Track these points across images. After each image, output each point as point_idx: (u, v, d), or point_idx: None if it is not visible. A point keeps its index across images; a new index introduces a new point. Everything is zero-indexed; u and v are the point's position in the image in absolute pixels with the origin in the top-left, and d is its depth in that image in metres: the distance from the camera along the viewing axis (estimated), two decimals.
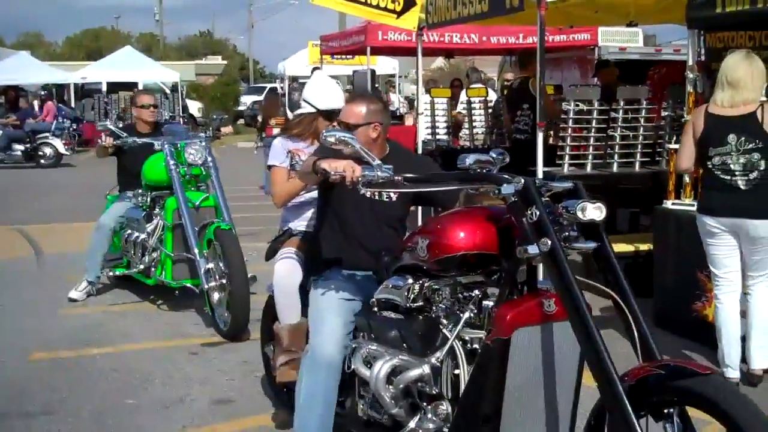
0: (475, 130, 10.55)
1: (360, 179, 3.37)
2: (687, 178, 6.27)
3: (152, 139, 6.97)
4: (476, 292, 3.28)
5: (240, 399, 5.13)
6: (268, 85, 47.95)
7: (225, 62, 54.07)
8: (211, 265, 6.25)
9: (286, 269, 4.30)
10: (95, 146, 7.41)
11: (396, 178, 3.37)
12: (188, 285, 6.79)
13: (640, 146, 7.33)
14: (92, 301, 7.45)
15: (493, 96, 11.43)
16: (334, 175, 3.38)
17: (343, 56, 25.87)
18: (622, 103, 7.22)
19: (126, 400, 5.14)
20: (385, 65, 25.78)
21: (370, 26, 12.72)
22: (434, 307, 3.41)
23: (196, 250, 6.30)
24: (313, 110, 4.56)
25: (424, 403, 3.36)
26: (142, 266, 6.98)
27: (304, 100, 4.60)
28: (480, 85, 12.03)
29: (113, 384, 5.42)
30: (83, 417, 4.88)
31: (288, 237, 4.52)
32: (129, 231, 7.19)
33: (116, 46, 52.28)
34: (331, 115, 4.47)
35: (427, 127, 10.14)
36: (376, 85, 20.11)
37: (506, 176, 3.06)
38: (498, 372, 3.01)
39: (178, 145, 6.72)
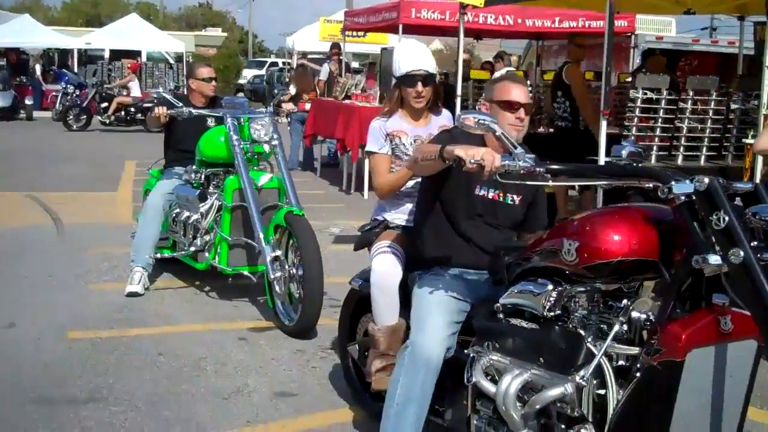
0: None
1: (500, 169, 3.01)
2: (759, 172, 5.94)
3: (211, 112, 6.53)
4: (625, 301, 2.92)
5: (303, 393, 4.75)
6: (269, 60, 47.71)
7: (225, 35, 53.39)
8: (278, 253, 5.78)
9: (387, 265, 3.90)
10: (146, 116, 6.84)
11: (538, 169, 2.99)
12: (244, 272, 6.33)
13: (707, 139, 6.96)
14: (123, 277, 7.05)
15: None
16: (471, 164, 3.00)
17: (357, 33, 25.56)
18: (691, 94, 6.86)
19: (178, 388, 4.76)
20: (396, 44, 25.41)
21: (404, 2, 12.26)
22: (573, 317, 3.04)
23: (261, 236, 5.80)
24: (394, 81, 4.16)
25: (563, 426, 2.99)
26: (192, 249, 6.51)
27: (392, 76, 4.21)
28: (510, 69, 11.64)
29: (162, 369, 5.03)
30: (136, 406, 4.49)
31: (384, 229, 4.11)
32: (178, 210, 6.72)
33: (115, 13, 51.64)
34: (406, 79, 4.08)
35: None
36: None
37: (674, 173, 2.70)
38: (665, 399, 2.65)
39: (241, 120, 6.24)
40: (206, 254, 6.40)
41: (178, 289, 6.78)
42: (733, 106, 7.04)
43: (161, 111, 6.44)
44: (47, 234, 8.69)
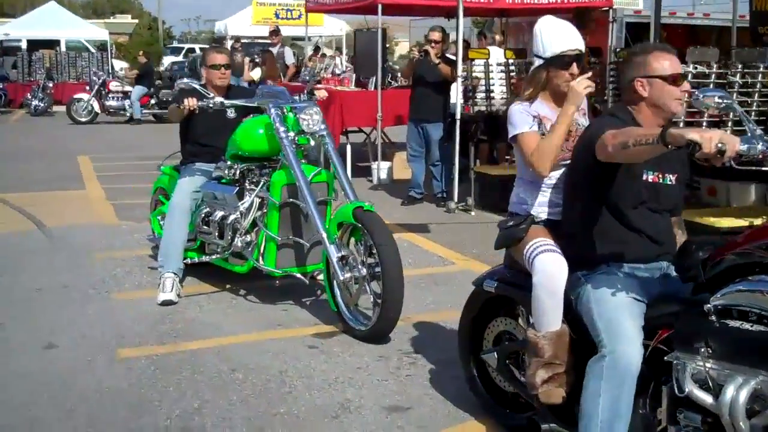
0: (489, 94, 9.76)
1: (738, 153, 2.69)
2: None
3: (248, 102, 5.99)
4: None
5: (415, 406, 4.33)
6: (185, 46, 46.42)
7: (136, 21, 51.88)
8: (344, 253, 5.33)
9: (555, 264, 3.49)
10: (169, 108, 6.21)
11: None
12: (294, 274, 5.84)
13: (754, 113, 6.75)
14: (144, 284, 6.50)
15: (499, 57, 10.71)
16: (712, 149, 2.65)
17: (292, 16, 24.99)
18: (739, 67, 6.63)
19: (276, 409, 4.30)
20: (332, 26, 24.80)
21: None
22: None
23: (325, 235, 5.33)
24: (541, 62, 3.75)
25: None
26: (230, 251, 6.00)
27: (535, 56, 3.79)
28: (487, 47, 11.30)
29: (245, 387, 4.55)
30: None
31: (530, 224, 3.71)
32: (208, 210, 6.18)
33: (18, 1, 49.52)
34: (557, 60, 3.69)
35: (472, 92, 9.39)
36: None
37: None
38: None
39: (284, 109, 5.75)
40: (249, 256, 5.90)
41: (211, 295, 6.25)
42: None
43: (191, 102, 5.87)
44: (36, 240, 8.01)
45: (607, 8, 11.89)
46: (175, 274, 6.11)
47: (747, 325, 2.89)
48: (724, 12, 12.81)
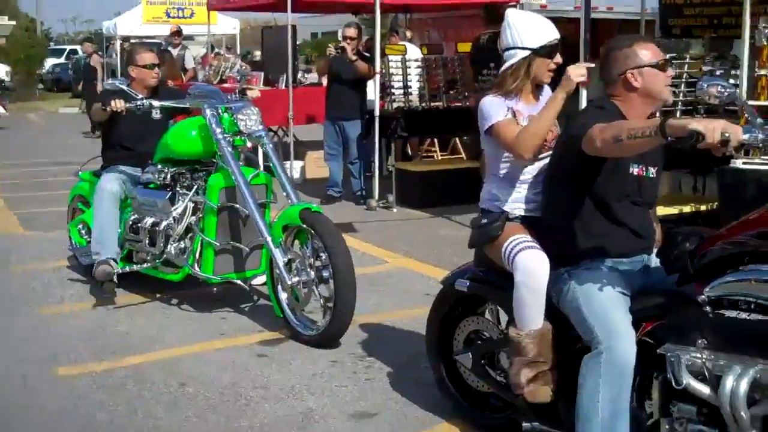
0: (407, 90, 9.72)
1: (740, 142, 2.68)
2: None
3: (177, 103, 5.74)
4: None
5: (381, 411, 4.21)
6: (68, 47, 44.97)
7: (13, 23, 49.93)
8: (290, 256, 5.14)
9: (537, 262, 3.40)
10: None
11: None
12: (233, 280, 5.64)
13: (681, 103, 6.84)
14: (67, 297, 6.18)
15: (415, 53, 10.69)
16: (716, 139, 2.62)
17: (183, 15, 24.44)
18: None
19: (237, 423, 4.11)
20: (225, 25, 24.34)
21: None
22: None
23: (270, 238, 5.14)
24: (526, 53, 3.65)
25: None
26: (162, 259, 5.75)
27: (511, 48, 3.68)
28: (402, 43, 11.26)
29: (199, 402, 4.34)
30: None
31: (505, 221, 3.61)
32: (136, 216, 5.91)
33: None
34: (550, 52, 3.63)
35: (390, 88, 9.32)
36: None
37: None
38: None
39: (219, 110, 5.51)
40: (183, 263, 5.67)
41: (142, 306, 5.98)
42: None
43: (118, 104, 5.59)
44: None
45: (514, 3, 11.96)
46: (114, 260, 5.85)
47: (743, 315, 2.88)
48: (626, 5, 13.04)
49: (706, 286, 2.97)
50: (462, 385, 3.99)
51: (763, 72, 6.00)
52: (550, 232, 3.47)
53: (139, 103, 5.66)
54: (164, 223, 5.69)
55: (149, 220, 5.81)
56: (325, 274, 5.06)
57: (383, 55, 9.26)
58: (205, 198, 5.50)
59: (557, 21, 11.35)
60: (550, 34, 3.62)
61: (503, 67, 3.69)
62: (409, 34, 11.80)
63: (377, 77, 9.13)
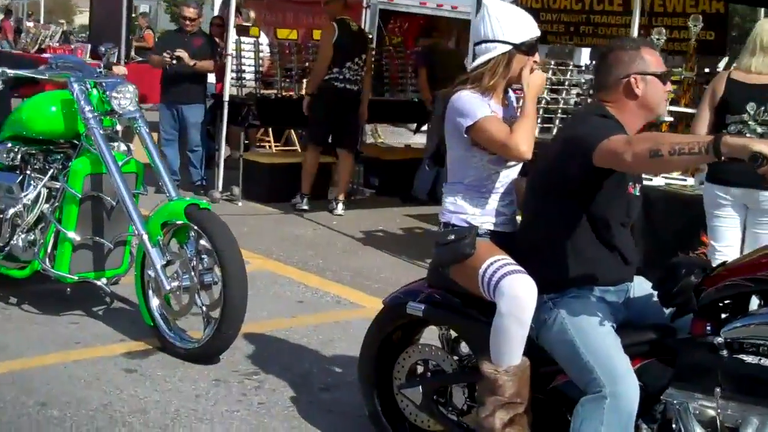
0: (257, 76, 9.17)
1: None
2: None
3: (35, 73, 4.94)
4: None
5: None
6: None
7: None
8: (169, 258, 4.52)
9: (526, 290, 3.00)
10: None
11: None
12: (91, 280, 4.93)
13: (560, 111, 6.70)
14: None
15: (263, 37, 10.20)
16: None
17: None
18: (552, 63, 6.55)
19: None
20: None
21: None
22: None
23: (146, 236, 4.50)
24: (506, 48, 3.26)
25: None
26: (4, 252, 4.98)
27: (489, 41, 3.27)
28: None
29: (69, 429, 3.70)
30: None
31: (475, 237, 3.21)
32: None
33: None
34: (531, 49, 3.28)
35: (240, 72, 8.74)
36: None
37: None
38: None
39: (88, 85, 4.81)
40: (33, 257, 4.93)
41: None
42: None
43: None
44: None
45: None
46: None
47: (765, 360, 2.65)
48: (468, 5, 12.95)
49: (708, 324, 2.73)
50: (400, 420, 3.55)
51: None
52: (532, 253, 3.11)
53: None
54: (11, 211, 4.93)
55: None
56: (208, 279, 4.52)
57: (239, 34, 8.62)
58: (65, 184, 4.78)
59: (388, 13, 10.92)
60: (532, 28, 3.28)
61: (478, 61, 3.29)
62: (252, 14, 11.17)
63: (229, 59, 8.48)
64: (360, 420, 3.83)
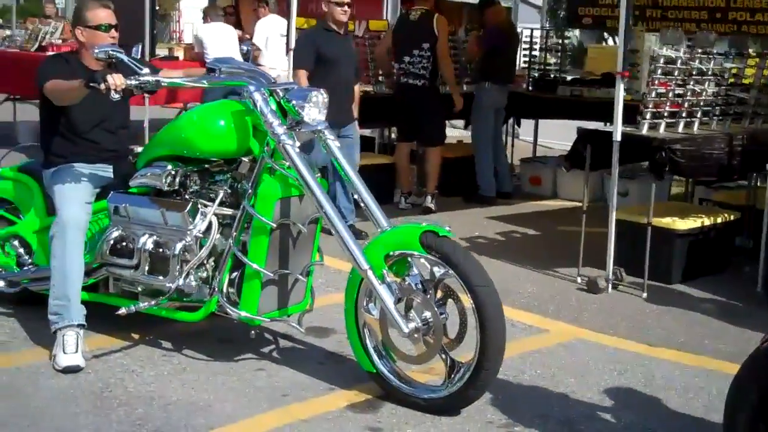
0: None
1: None
2: None
3: (195, 81, 4.20)
4: None
5: None
6: None
7: None
8: (399, 295, 3.81)
9: None
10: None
11: None
12: (275, 319, 4.30)
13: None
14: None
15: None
16: None
17: None
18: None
19: None
20: None
21: None
22: None
23: (369, 269, 3.78)
24: None
25: None
26: (169, 293, 4.23)
27: None
28: None
29: None
30: None
31: None
32: (120, 232, 4.40)
33: None
34: None
35: None
36: None
37: None
38: None
39: (265, 93, 4.07)
40: (205, 297, 4.20)
41: (129, 351, 4.41)
42: None
43: (117, 81, 3.96)
44: None
45: None
46: (79, 326, 4.23)
47: None
48: None
49: None
50: None
51: None
52: None
53: (144, 80, 4.12)
54: (180, 245, 4.18)
55: (148, 239, 4.28)
56: (442, 316, 3.85)
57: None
58: (254, 211, 4.05)
59: None
60: None
61: None
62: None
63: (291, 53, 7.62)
64: None
